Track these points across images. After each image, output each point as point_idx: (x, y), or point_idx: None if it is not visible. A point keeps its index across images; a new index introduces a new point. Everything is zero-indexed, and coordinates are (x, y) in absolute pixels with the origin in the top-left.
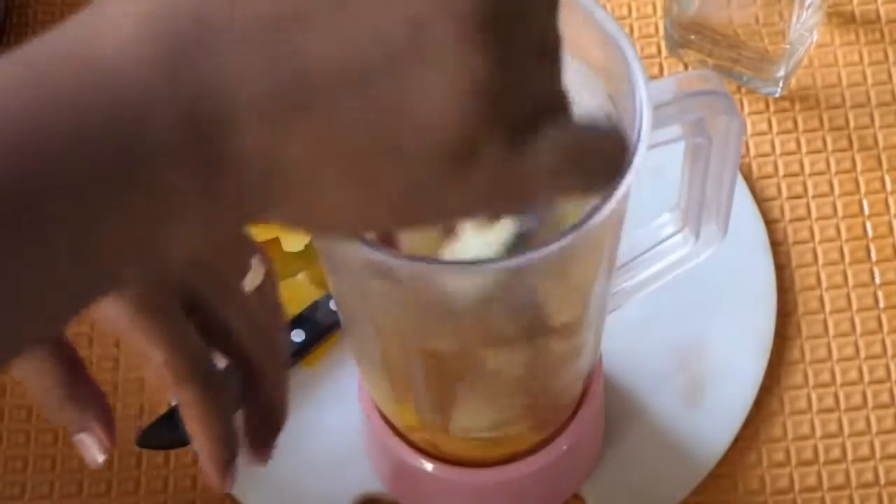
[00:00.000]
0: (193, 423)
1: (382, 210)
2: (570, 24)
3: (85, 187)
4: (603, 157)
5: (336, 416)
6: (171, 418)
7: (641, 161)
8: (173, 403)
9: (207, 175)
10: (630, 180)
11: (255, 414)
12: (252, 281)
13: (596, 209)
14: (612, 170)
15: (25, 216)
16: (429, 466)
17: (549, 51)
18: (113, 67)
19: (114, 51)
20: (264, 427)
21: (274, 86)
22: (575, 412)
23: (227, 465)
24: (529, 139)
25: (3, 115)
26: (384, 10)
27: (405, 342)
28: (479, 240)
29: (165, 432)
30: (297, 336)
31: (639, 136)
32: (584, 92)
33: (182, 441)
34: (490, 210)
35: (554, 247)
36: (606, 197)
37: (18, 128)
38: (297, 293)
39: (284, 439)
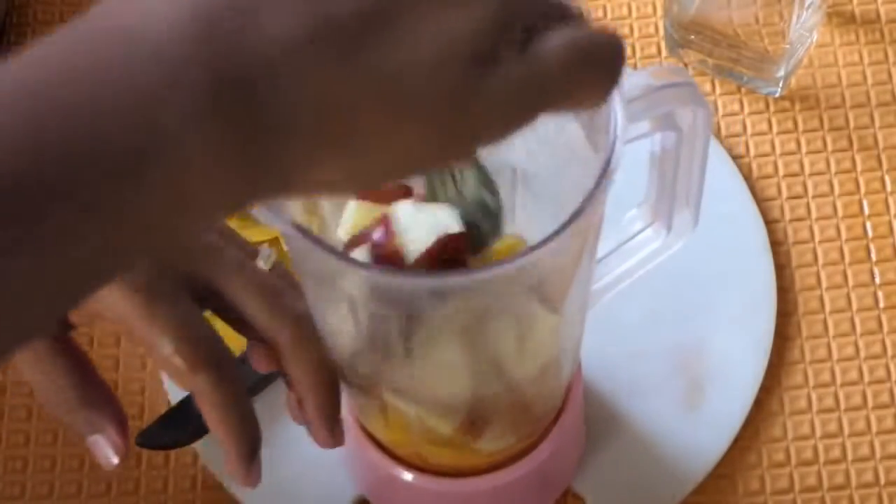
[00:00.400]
0: (211, 413)
1: (419, 136)
2: None
3: (114, 156)
4: (606, 52)
5: None
6: (172, 418)
7: (619, 159)
8: (174, 402)
9: (248, 132)
10: (610, 180)
11: (300, 393)
12: (266, 262)
13: (585, 201)
14: (616, 65)
15: (53, 188)
16: (412, 478)
17: None
18: (147, 32)
19: (146, 19)
20: (319, 404)
21: (306, 33)
22: (557, 417)
23: (250, 456)
24: (540, 41)
25: (42, 87)
26: None
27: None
28: (425, 215)
29: (165, 432)
30: None
31: (615, 134)
32: None
33: (182, 441)
34: (511, 121)
35: (548, 247)
36: (589, 195)
37: (52, 103)
38: None
39: (283, 439)
